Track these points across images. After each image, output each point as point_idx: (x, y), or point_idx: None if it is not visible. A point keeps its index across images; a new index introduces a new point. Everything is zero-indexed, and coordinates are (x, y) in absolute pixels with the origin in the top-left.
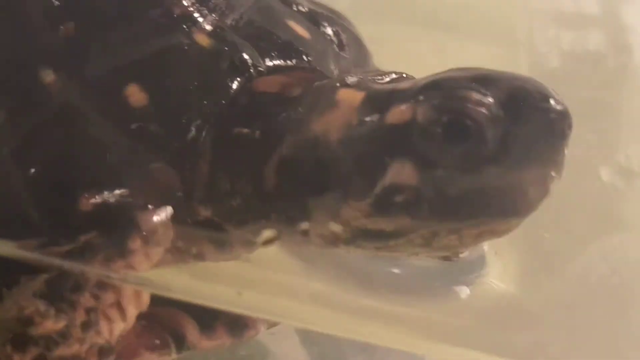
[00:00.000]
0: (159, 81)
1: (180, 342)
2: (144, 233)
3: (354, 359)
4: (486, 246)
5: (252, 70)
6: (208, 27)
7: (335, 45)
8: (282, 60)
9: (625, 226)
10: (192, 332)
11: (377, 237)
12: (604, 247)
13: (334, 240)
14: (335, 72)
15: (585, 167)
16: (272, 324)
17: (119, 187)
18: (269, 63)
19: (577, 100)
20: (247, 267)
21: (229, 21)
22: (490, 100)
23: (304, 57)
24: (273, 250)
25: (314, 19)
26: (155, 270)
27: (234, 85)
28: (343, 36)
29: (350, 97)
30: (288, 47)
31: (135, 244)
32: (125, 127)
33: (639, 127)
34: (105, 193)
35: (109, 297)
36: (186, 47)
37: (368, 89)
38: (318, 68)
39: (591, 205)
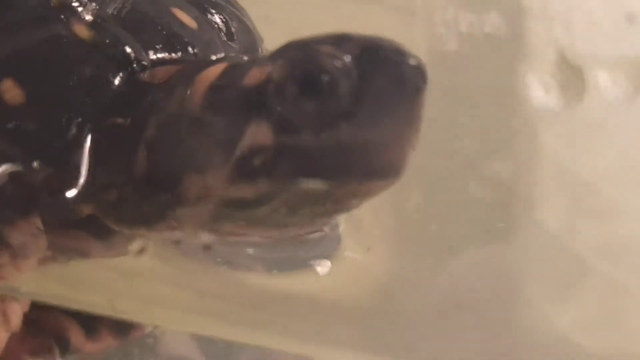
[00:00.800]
0: (36, 76)
1: (65, 347)
2: (12, 248)
3: (248, 350)
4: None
5: (134, 65)
6: (88, 18)
7: (223, 34)
8: (166, 53)
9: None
10: (76, 335)
11: (242, 207)
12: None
13: (202, 223)
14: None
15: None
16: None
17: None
18: (153, 56)
19: (472, 85)
20: (117, 277)
21: (110, 10)
22: (343, 53)
23: (190, 49)
24: (144, 259)
25: (201, 7)
26: (24, 278)
27: (116, 81)
28: (232, 24)
29: (212, 71)
30: (173, 39)
31: (3, 259)
32: (1, 126)
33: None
34: None
35: None
36: (65, 40)
37: (231, 60)
38: (204, 59)
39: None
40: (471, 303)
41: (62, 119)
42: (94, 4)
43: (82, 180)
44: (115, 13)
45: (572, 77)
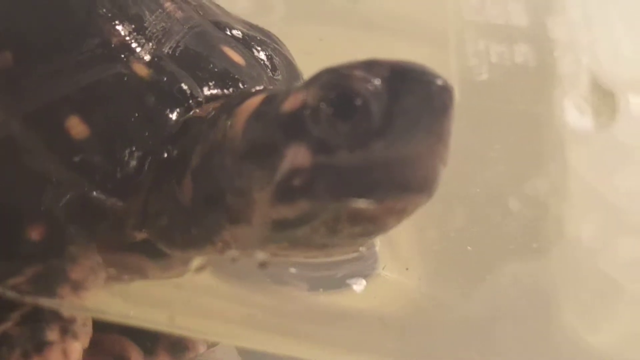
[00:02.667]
0: (100, 112)
1: None
2: (73, 282)
3: None
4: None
5: (190, 101)
6: (146, 57)
7: (268, 70)
8: (219, 89)
9: (531, 255)
10: (135, 356)
11: (283, 228)
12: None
13: (247, 245)
14: None
15: (496, 195)
16: (212, 344)
17: (63, 219)
18: (207, 92)
19: (505, 113)
20: (177, 294)
21: (166, 50)
22: (374, 76)
23: (240, 85)
24: (203, 276)
25: (247, 44)
26: (91, 295)
27: (174, 116)
28: (275, 59)
29: (252, 101)
30: (225, 75)
31: (65, 291)
32: (68, 159)
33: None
34: (49, 225)
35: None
36: (125, 78)
37: (269, 91)
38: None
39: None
40: (507, 319)
41: (124, 152)
42: (151, 44)
43: (138, 208)
44: (170, 52)
45: (604, 100)
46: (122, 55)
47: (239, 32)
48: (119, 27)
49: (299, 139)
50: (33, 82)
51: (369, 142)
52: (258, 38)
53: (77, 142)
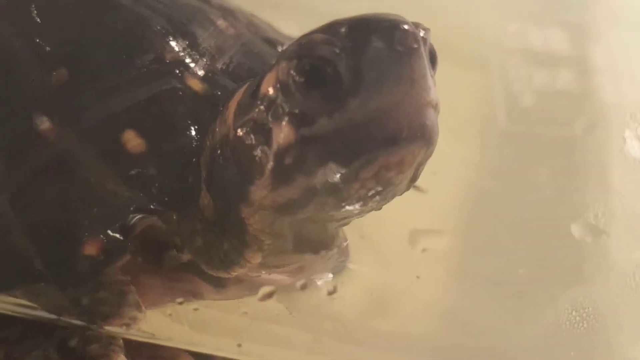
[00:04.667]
0: (155, 126)
1: None
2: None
3: None
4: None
5: None
6: (200, 72)
7: None
8: None
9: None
10: None
11: (291, 209)
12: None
13: (274, 249)
14: None
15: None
16: None
17: (118, 233)
18: None
19: (551, 138)
20: (245, 319)
21: (219, 65)
22: (335, 37)
23: None
24: (270, 303)
25: None
26: (157, 324)
27: None
28: None
29: (239, 92)
30: None
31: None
32: (124, 173)
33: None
34: (106, 239)
35: None
36: (180, 92)
37: (252, 80)
38: None
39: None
40: (568, 344)
41: (179, 165)
42: (204, 60)
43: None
44: (224, 67)
45: None
46: (177, 71)
47: None
48: (173, 44)
49: (279, 118)
50: (88, 98)
51: (344, 103)
52: None
53: (133, 156)
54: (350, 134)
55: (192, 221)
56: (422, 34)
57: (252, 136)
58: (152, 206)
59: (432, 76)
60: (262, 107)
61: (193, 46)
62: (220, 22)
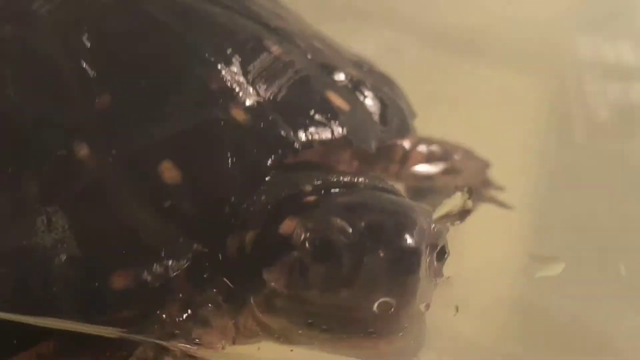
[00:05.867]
0: (193, 158)
1: None
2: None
3: None
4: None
5: (286, 148)
6: (246, 102)
7: (376, 116)
8: (317, 136)
9: None
10: None
11: (273, 332)
12: None
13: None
14: (374, 144)
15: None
16: None
17: (149, 267)
18: (304, 139)
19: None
20: None
21: (267, 95)
22: (351, 227)
23: (339, 131)
24: None
25: (356, 88)
26: None
27: (268, 163)
28: (386, 106)
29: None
30: (325, 122)
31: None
32: (158, 204)
33: None
34: (136, 272)
35: None
36: (222, 123)
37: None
38: (353, 141)
39: None
40: None
41: (216, 199)
42: (252, 89)
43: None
44: (271, 97)
45: None
46: (221, 101)
47: (349, 76)
48: (220, 72)
49: (282, 265)
50: (129, 126)
51: (336, 287)
52: (369, 83)
53: (168, 187)
54: (333, 311)
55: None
56: (432, 238)
57: (257, 263)
58: (181, 239)
59: (433, 274)
60: (274, 244)
61: (241, 74)
62: (275, 49)
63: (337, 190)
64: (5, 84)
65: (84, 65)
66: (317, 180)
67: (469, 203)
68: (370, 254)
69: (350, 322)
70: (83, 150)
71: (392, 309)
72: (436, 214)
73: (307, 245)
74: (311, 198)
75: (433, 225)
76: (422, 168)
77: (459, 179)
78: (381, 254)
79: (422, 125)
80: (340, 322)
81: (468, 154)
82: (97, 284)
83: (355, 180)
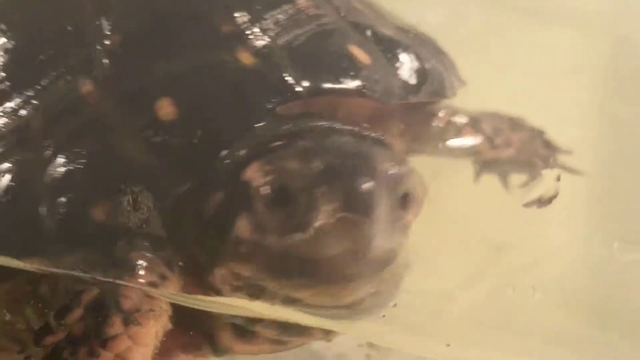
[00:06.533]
0: (192, 97)
1: (214, 345)
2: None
3: None
4: None
5: (289, 93)
6: (255, 46)
7: (406, 76)
8: (329, 84)
9: None
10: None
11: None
12: None
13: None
14: (392, 101)
15: None
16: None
17: (134, 204)
18: (312, 86)
19: None
20: None
21: (280, 41)
22: (310, 169)
23: (356, 82)
24: None
25: (387, 47)
26: None
27: (270, 106)
28: (421, 68)
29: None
30: (340, 72)
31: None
32: (150, 140)
33: None
34: (115, 205)
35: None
36: (226, 65)
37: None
38: (366, 94)
39: None
40: None
41: (210, 139)
42: (265, 35)
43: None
44: (285, 44)
45: None
46: (230, 44)
47: (381, 35)
48: (234, 17)
49: (246, 212)
50: (135, 65)
51: (291, 233)
52: (404, 44)
53: (162, 123)
54: (289, 260)
55: None
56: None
57: (225, 209)
58: (170, 175)
59: (399, 220)
60: (239, 191)
61: (256, 21)
62: (302, 2)
63: (306, 136)
64: (28, 11)
65: (104, 5)
66: (298, 127)
67: (556, 186)
68: (324, 197)
69: (309, 268)
70: (87, 87)
71: (349, 254)
72: (526, 199)
73: (262, 190)
74: (277, 144)
75: (394, 171)
76: (456, 141)
77: (508, 153)
78: (334, 197)
79: (478, 93)
80: (299, 268)
81: (516, 125)
82: (79, 214)
83: (333, 126)
